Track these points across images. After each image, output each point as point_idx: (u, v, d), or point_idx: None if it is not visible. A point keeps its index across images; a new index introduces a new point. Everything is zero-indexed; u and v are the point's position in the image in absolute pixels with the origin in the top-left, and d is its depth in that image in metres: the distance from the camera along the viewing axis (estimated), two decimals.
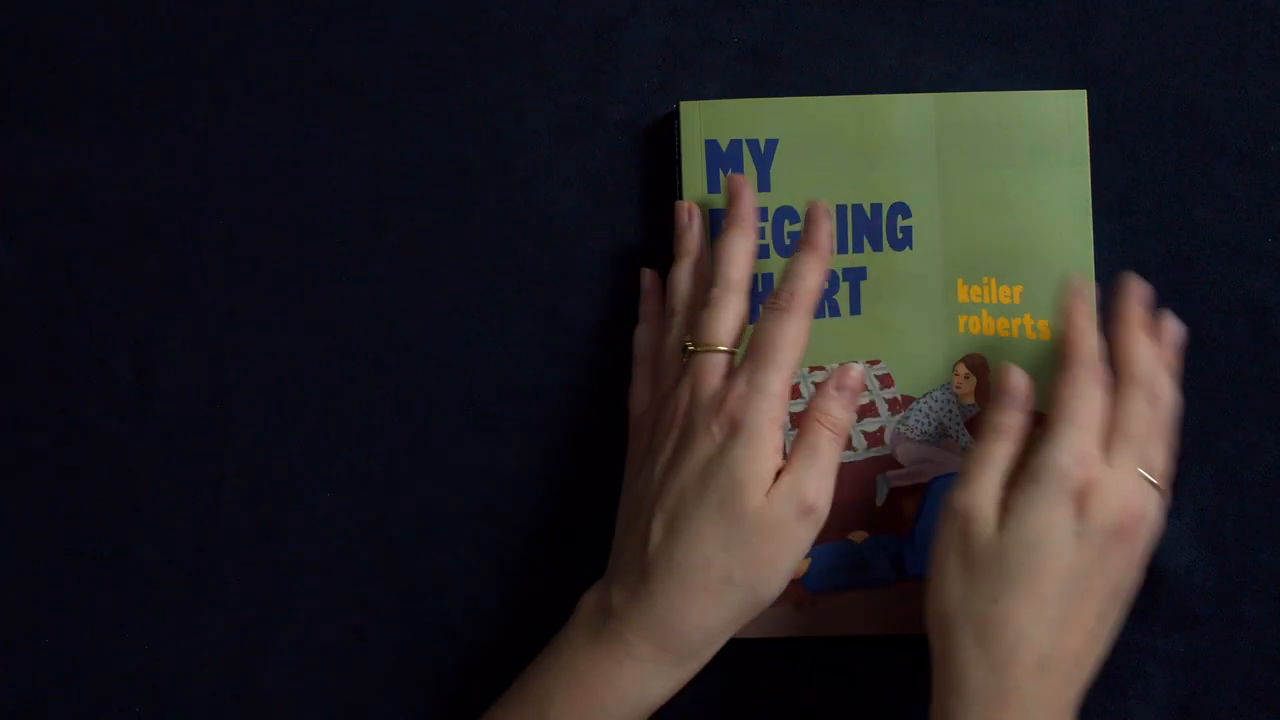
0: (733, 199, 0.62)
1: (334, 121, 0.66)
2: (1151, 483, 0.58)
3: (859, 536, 0.64)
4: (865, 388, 0.63)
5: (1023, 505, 0.56)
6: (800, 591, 0.64)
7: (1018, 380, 0.60)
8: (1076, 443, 0.57)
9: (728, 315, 0.60)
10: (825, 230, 0.61)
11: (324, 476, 0.66)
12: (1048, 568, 0.56)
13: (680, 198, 0.65)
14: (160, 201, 0.66)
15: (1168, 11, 0.66)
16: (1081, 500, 0.56)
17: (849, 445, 0.64)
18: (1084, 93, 0.64)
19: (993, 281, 0.64)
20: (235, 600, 0.66)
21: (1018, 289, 0.64)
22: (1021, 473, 0.58)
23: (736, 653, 0.62)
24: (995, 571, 0.56)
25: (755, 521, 0.57)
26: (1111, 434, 0.58)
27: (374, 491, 0.66)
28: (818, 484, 0.58)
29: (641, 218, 0.66)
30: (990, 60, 0.66)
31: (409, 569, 0.66)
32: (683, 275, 0.63)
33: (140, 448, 0.66)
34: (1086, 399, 0.58)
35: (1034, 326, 0.64)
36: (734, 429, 0.57)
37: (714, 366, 0.59)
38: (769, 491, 0.57)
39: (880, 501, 0.64)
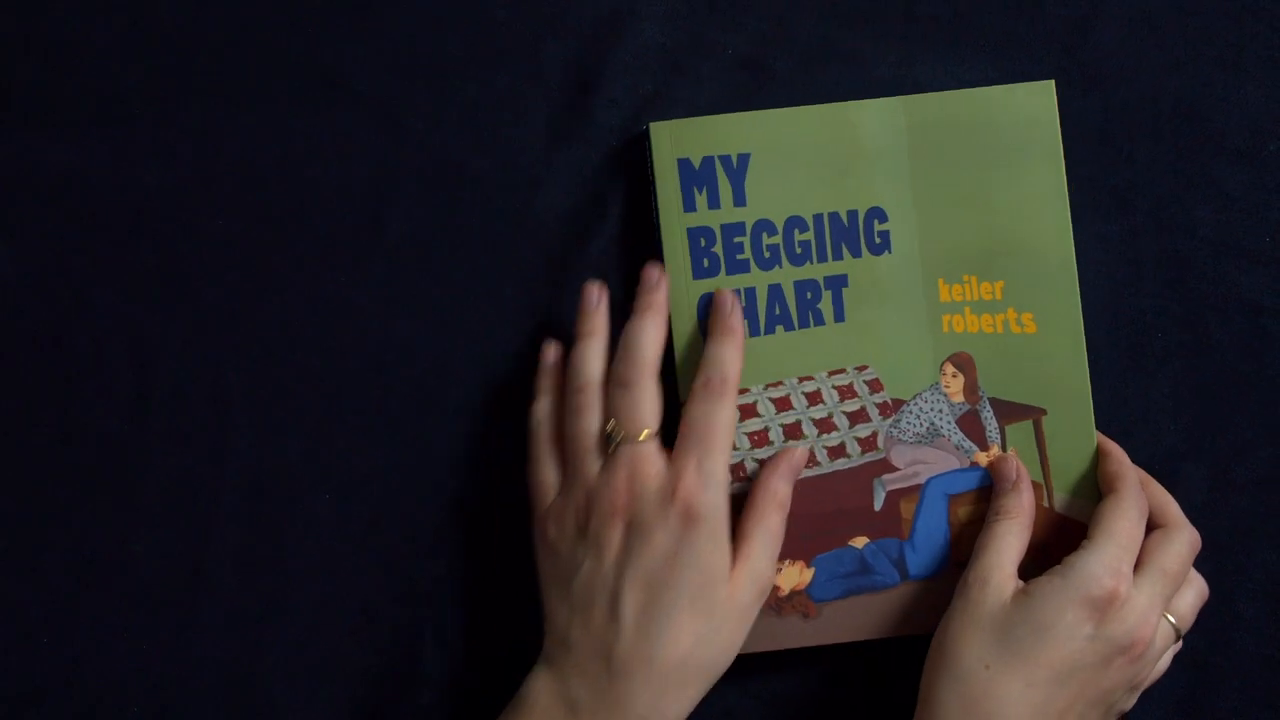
0: (647, 287, 0.63)
1: (334, 121, 0.66)
2: (1173, 625, 0.61)
3: (860, 542, 0.64)
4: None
5: (1044, 590, 0.58)
6: (806, 601, 0.64)
7: (1010, 467, 0.63)
8: (1112, 557, 0.59)
9: (648, 399, 0.61)
10: (737, 314, 0.63)
11: (324, 476, 0.66)
12: (1048, 654, 0.57)
13: (657, 219, 0.64)
14: (160, 201, 0.66)
15: (1167, 12, 0.66)
16: (1103, 608, 0.58)
17: (844, 452, 0.64)
18: (1051, 83, 0.64)
19: (973, 279, 0.64)
20: (235, 600, 0.66)
21: (999, 285, 0.64)
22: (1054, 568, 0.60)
23: (747, 666, 0.63)
24: (995, 640, 0.58)
25: (726, 612, 0.59)
26: (1145, 562, 0.60)
27: (373, 492, 0.66)
28: (772, 565, 0.61)
29: (636, 222, 0.66)
30: (986, 69, 0.66)
31: (407, 569, 0.66)
32: (591, 354, 0.63)
33: (140, 448, 0.66)
34: (1130, 521, 0.60)
35: (1018, 320, 0.64)
36: (691, 520, 0.59)
37: (649, 453, 0.60)
38: (734, 580, 0.59)
39: (878, 506, 0.64)
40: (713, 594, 0.59)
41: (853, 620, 0.64)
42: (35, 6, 0.66)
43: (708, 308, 0.64)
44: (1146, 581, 0.59)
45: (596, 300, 0.64)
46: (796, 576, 0.64)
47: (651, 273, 0.63)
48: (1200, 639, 0.64)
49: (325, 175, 0.66)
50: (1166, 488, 0.64)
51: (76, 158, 0.66)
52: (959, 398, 0.64)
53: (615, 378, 0.62)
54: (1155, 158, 0.66)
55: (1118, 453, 0.63)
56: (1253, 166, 0.66)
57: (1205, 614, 0.64)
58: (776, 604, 0.64)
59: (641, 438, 0.60)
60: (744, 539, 0.60)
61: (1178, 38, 0.66)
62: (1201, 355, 0.66)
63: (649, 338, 0.62)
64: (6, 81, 0.66)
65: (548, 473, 0.63)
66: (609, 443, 0.61)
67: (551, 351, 0.65)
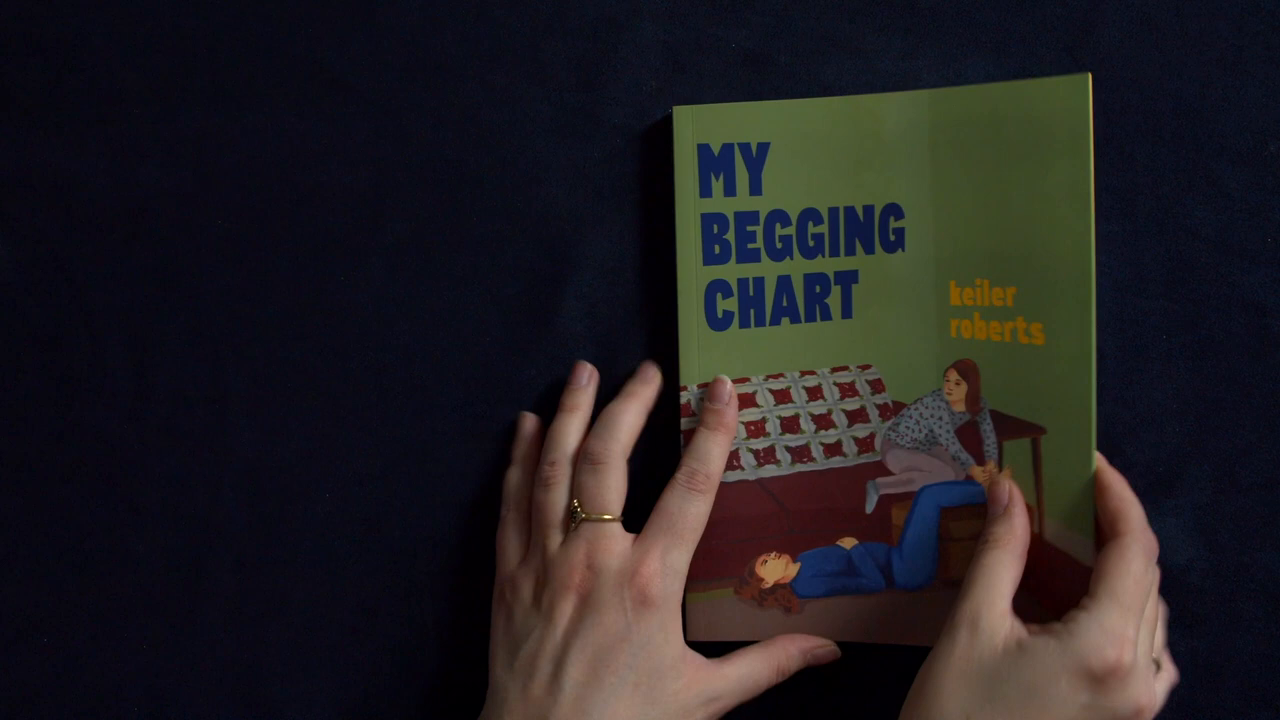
0: (643, 379, 0.65)
1: (334, 121, 0.66)
2: (1155, 662, 0.59)
3: (849, 543, 0.64)
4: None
5: (1039, 650, 0.56)
6: (789, 596, 0.64)
7: (1002, 491, 0.61)
8: (1115, 622, 0.56)
9: (613, 482, 0.62)
10: (732, 409, 0.63)
11: (323, 476, 0.66)
12: (1036, 717, 0.55)
13: (674, 202, 0.64)
14: (160, 201, 0.66)
15: (1167, 12, 0.66)
16: (1103, 678, 0.55)
17: (840, 451, 0.64)
18: (1087, 76, 0.60)
19: (985, 284, 0.63)
20: (234, 599, 0.66)
21: (1010, 291, 0.62)
22: (1058, 621, 0.57)
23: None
24: (980, 692, 0.56)
25: (669, 707, 0.59)
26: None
27: (372, 491, 0.66)
28: (736, 701, 0.61)
29: (638, 221, 0.66)
30: (988, 64, 0.66)
31: (406, 569, 0.66)
32: (569, 429, 0.64)
33: (140, 448, 0.66)
34: (1135, 577, 0.57)
35: (1026, 330, 0.62)
36: (645, 604, 0.59)
37: (611, 535, 0.61)
38: (687, 679, 0.59)
39: (870, 509, 0.64)
40: (660, 683, 0.59)
41: (834, 620, 0.64)
42: (35, 6, 0.66)
43: (706, 391, 0.64)
44: (1141, 638, 0.57)
45: (586, 379, 0.65)
46: (782, 570, 0.64)
47: (649, 369, 0.65)
48: (1200, 639, 0.64)
49: (325, 175, 0.66)
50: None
51: (76, 158, 0.66)
52: (960, 406, 0.63)
53: (586, 452, 0.62)
54: (1155, 158, 0.66)
55: (1119, 486, 0.60)
56: (1253, 166, 0.66)
57: (1205, 614, 0.64)
58: (759, 596, 0.64)
59: (605, 519, 0.61)
60: (738, 657, 0.62)
61: (1178, 38, 0.66)
62: (1204, 356, 0.66)
63: (628, 420, 0.63)
64: (6, 81, 0.66)
65: (513, 539, 0.64)
66: (573, 519, 0.62)
67: (529, 422, 0.66)
